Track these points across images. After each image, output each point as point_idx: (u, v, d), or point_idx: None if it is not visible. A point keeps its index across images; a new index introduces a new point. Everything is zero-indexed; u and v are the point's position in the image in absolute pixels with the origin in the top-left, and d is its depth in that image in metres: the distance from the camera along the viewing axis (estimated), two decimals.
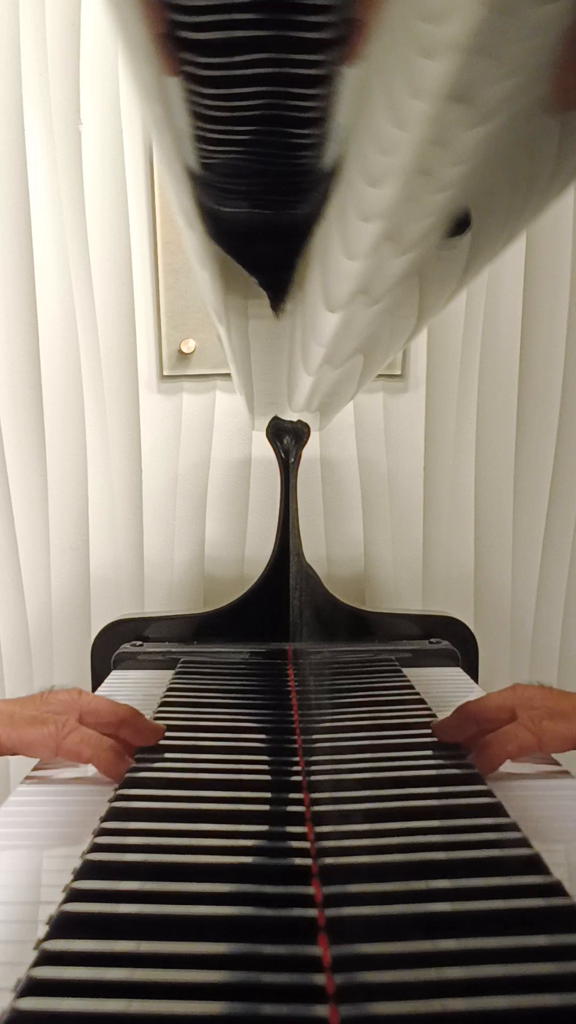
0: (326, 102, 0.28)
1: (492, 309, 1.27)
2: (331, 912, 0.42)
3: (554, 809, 0.58)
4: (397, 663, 0.98)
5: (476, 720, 0.65)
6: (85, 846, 0.50)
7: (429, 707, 0.78)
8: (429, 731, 0.69)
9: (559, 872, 0.45)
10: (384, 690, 0.86)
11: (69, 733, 0.62)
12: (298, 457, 1.11)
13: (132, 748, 0.66)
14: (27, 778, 0.65)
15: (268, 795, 0.60)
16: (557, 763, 0.67)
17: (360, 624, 1.12)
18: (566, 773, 0.65)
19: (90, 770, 0.66)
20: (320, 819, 0.53)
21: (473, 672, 1.07)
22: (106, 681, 0.99)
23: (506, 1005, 0.35)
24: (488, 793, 0.57)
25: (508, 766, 0.65)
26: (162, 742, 0.68)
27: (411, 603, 1.30)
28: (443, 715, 0.74)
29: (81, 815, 0.57)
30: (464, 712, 0.66)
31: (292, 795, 0.58)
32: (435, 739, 0.67)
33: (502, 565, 1.32)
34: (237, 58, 0.25)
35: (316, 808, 0.55)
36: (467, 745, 0.65)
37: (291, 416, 1.04)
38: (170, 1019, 0.35)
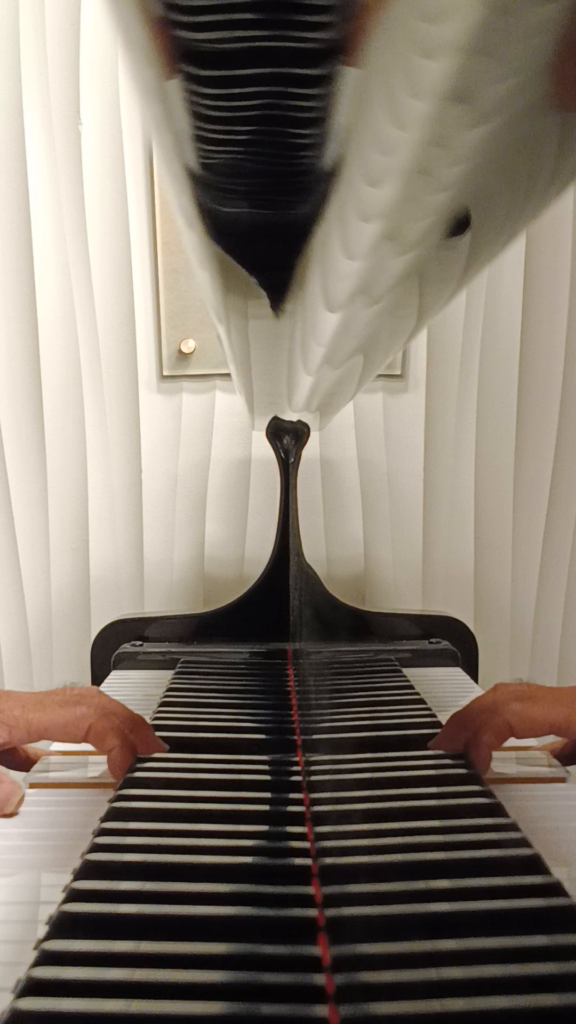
0: (326, 102, 0.28)
1: (492, 309, 1.27)
2: (331, 912, 0.42)
3: (555, 809, 0.58)
4: (397, 663, 0.98)
5: (464, 726, 0.65)
6: (85, 846, 0.50)
7: (429, 707, 0.78)
8: (429, 731, 0.69)
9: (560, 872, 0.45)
10: (384, 690, 0.86)
11: (102, 717, 0.63)
12: (298, 457, 1.10)
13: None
14: (28, 777, 0.65)
15: (268, 795, 0.60)
16: (560, 766, 0.67)
17: (360, 624, 1.12)
18: (562, 780, 0.65)
19: (89, 771, 0.66)
20: (320, 819, 0.53)
21: (473, 672, 1.07)
22: (106, 681, 0.99)
23: (506, 1005, 0.35)
24: (488, 793, 0.57)
25: (510, 769, 0.65)
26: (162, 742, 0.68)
27: (411, 603, 1.30)
28: (443, 715, 0.74)
29: (81, 815, 0.57)
30: (453, 721, 0.67)
31: (292, 795, 0.58)
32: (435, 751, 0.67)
33: (502, 565, 1.32)
34: (237, 58, 0.25)
35: (316, 808, 0.55)
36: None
37: (291, 416, 1.04)
38: (170, 1019, 0.35)
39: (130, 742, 0.64)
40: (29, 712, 0.63)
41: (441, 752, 0.65)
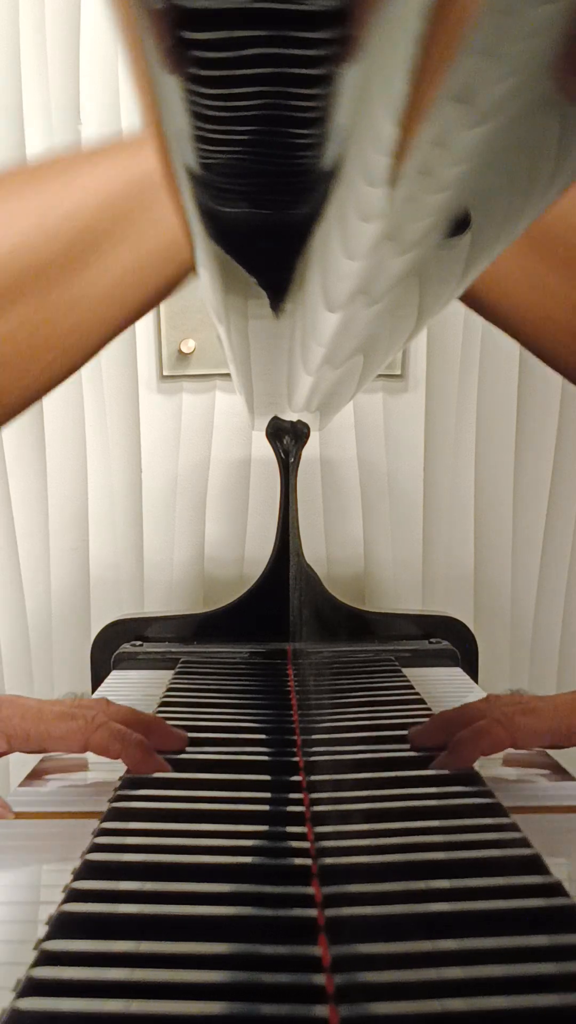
0: (326, 102, 0.28)
1: None
2: (331, 912, 0.42)
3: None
4: (397, 663, 0.98)
5: (452, 727, 0.65)
6: (85, 846, 0.50)
7: (429, 707, 0.78)
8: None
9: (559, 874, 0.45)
10: (384, 690, 0.86)
11: (98, 728, 0.63)
12: (298, 457, 1.10)
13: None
14: (26, 779, 0.65)
15: (268, 795, 0.60)
16: (560, 767, 0.67)
17: (360, 624, 1.12)
18: (567, 775, 0.65)
19: (89, 774, 0.66)
20: (320, 819, 0.53)
21: (473, 672, 1.07)
22: (106, 681, 0.98)
23: (506, 1005, 0.35)
24: (488, 793, 0.57)
25: (510, 772, 0.65)
26: None
27: (411, 603, 1.30)
28: None
29: (81, 815, 0.57)
30: (441, 720, 0.67)
31: (292, 795, 0.58)
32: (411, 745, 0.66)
33: (502, 565, 1.32)
34: (237, 58, 0.25)
35: (316, 808, 0.55)
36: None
37: (291, 416, 1.04)
38: (170, 1019, 0.35)
39: (138, 743, 0.63)
40: (28, 723, 0.63)
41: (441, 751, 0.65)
